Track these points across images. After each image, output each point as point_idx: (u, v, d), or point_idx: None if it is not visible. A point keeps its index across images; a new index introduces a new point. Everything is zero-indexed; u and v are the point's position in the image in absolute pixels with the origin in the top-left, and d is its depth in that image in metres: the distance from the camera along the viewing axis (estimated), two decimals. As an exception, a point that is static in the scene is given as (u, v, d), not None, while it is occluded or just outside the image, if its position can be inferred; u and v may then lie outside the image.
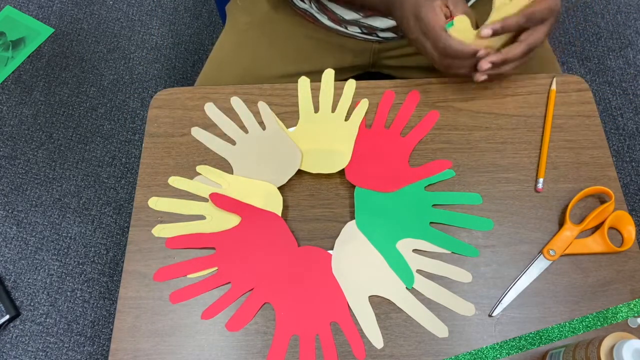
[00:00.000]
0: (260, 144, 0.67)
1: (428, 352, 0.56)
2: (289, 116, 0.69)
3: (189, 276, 0.60)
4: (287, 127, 0.68)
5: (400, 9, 0.64)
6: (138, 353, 0.57)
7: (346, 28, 0.80)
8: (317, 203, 0.64)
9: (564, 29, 1.56)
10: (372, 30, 0.78)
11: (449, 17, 0.61)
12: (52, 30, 1.60)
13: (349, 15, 0.77)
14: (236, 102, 0.70)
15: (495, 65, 0.60)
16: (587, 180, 0.64)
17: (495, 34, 0.60)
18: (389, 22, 0.76)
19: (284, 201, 0.63)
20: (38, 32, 1.60)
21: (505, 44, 0.63)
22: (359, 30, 0.80)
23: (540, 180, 0.63)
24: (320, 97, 0.70)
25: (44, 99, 1.50)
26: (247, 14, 0.86)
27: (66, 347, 1.21)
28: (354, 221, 0.62)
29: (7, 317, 1.22)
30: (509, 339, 0.56)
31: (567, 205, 0.62)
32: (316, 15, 0.81)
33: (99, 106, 1.49)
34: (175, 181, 0.65)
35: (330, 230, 0.62)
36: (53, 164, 1.41)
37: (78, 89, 1.51)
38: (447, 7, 0.61)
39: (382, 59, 0.86)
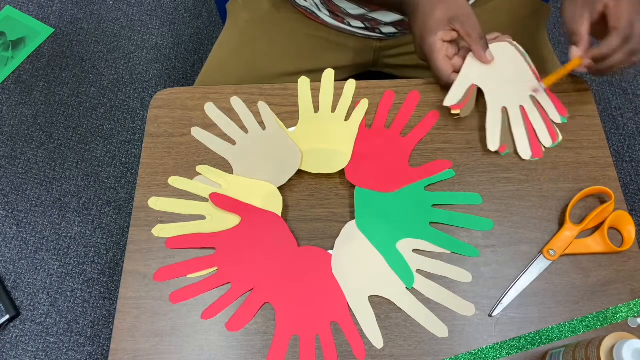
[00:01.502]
0: (260, 144, 0.67)
1: (428, 352, 0.56)
2: (289, 116, 0.69)
3: (189, 276, 0.60)
4: (287, 127, 0.68)
5: (412, 27, 0.66)
6: (138, 353, 0.57)
7: (349, 24, 0.80)
8: (317, 203, 0.64)
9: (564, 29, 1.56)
10: (375, 24, 0.78)
11: (455, 54, 0.65)
12: (52, 30, 1.60)
13: (355, 10, 0.77)
14: (236, 102, 0.70)
15: (595, 60, 0.61)
16: (587, 180, 0.64)
17: (597, 60, 0.61)
18: (394, 16, 0.76)
19: (284, 201, 0.63)
20: (38, 32, 1.60)
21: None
22: (362, 26, 0.80)
23: (542, 85, 0.65)
24: (320, 97, 0.70)
25: (44, 99, 1.50)
26: (248, 12, 0.86)
27: (66, 347, 1.21)
28: (354, 221, 0.62)
29: (7, 317, 1.22)
30: (509, 339, 0.56)
31: (567, 205, 0.62)
32: (317, 12, 0.81)
33: (99, 106, 1.49)
34: (175, 181, 0.65)
35: (330, 230, 0.62)
36: (53, 164, 1.41)
37: (78, 89, 1.51)
38: (455, 29, 0.63)
39: (382, 58, 0.86)
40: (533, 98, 0.67)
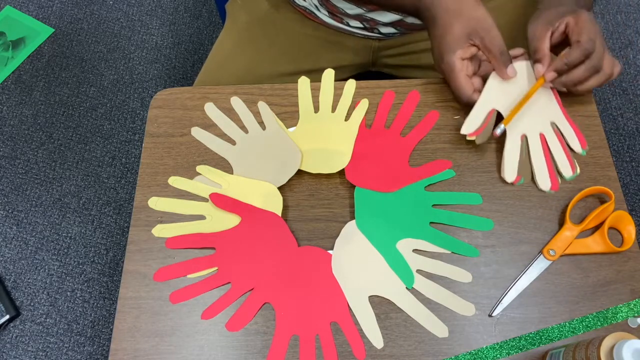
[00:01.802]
0: (260, 144, 0.67)
1: (428, 352, 0.56)
2: (289, 116, 0.69)
3: (189, 276, 0.60)
4: (287, 127, 0.68)
5: (431, 38, 0.65)
6: (138, 353, 0.57)
7: (348, 24, 0.80)
8: (317, 203, 0.64)
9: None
10: (374, 24, 0.78)
11: (475, 71, 0.64)
12: (52, 30, 1.60)
13: (353, 9, 0.76)
14: (236, 102, 0.70)
15: (559, 73, 0.63)
16: (587, 180, 0.64)
17: (560, 73, 0.63)
18: (392, 16, 0.76)
19: (284, 201, 0.63)
20: (38, 32, 1.60)
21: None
22: (361, 26, 0.79)
23: (502, 126, 0.62)
24: (320, 97, 0.70)
25: (44, 99, 1.50)
26: (247, 13, 0.86)
27: (66, 347, 1.21)
28: (354, 221, 0.62)
29: (7, 317, 1.22)
30: (509, 339, 0.56)
31: (567, 205, 0.62)
32: (316, 12, 0.81)
33: (99, 106, 1.49)
34: (175, 181, 0.65)
35: (330, 230, 0.62)
36: (53, 164, 1.41)
37: (78, 89, 1.51)
38: (474, 44, 0.62)
39: (381, 58, 0.86)
40: (553, 125, 0.65)
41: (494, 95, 0.64)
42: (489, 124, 0.63)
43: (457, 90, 0.63)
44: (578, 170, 0.63)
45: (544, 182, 0.62)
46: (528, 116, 0.64)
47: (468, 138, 0.63)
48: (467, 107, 0.64)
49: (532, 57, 0.64)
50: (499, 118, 0.64)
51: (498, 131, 0.62)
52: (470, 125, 0.63)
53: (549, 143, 0.64)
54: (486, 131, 0.63)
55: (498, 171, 0.65)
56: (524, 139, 0.64)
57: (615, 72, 0.63)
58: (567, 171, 0.63)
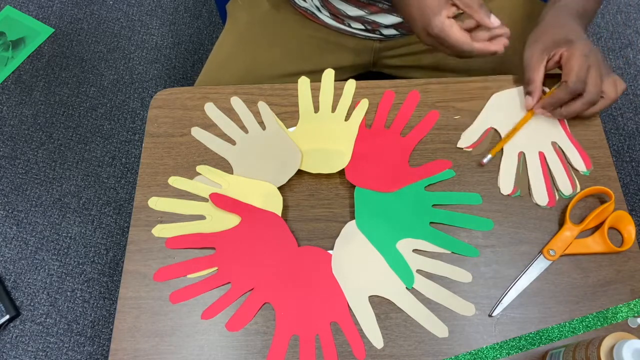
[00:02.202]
0: (260, 144, 0.67)
1: (428, 352, 0.56)
2: (289, 116, 0.69)
3: (189, 276, 0.60)
4: (287, 127, 0.68)
5: (408, 14, 0.64)
6: (138, 353, 0.57)
7: (349, 25, 0.80)
8: (317, 203, 0.64)
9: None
10: (375, 26, 0.78)
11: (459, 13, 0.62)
12: (52, 30, 1.60)
13: (354, 11, 0.76)
14: (236, 102, 0.70)
15: (547, 107, 0.65)
16: (587, 180, 0.64)
17: (548, 109, 0.65)
18: (394, 19, 0.76)
19: (284, 201, 0.63)
20: (38, 32, 1.60)
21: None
22: (362, 27, 0.79)
23: (489, 156, 0.64)
24: (320, 97, 0.70)
25: (44, 99, 1.50)
26: (248, 13, 0.86)
27: (66, 347, 1.21)
28: (354, 221, 0.62)
29: (7, 317, 1.22)
30: (509, 339, 0.56)
31: (567, 205, 0.62)
32: (317, 13, 0.81)
33: (99, 106, 1.49)
34: (175, 181, 0.65)
35: (330, 230, 0.62)
36: (53, 164, 1.41)
37: (78, 89, 1.51)
38: (454, 4, 0.61)
39: (383, 58, 0.86)
40: (554, 144, 0.65)
41: (494, 114, 0.67)
42: (485, 139, 0.66)
43: (457, 44, 0.61)
44: (578, 188, 0.63)
45: (541, 197, 0.63)
46: (527, 135, 0.66)
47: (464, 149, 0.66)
48: (468, 114, 0.65)
49: (525, 88, 0.66)
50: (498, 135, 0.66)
51: (485, 160, 0.64)
52: (468, 140, 0.66)
53: (548, 161, 0.65)
54: (482, 145, 0.66)
55: (498, 172, 0.65)
56: (522, 156, 0.65)
57: (620, 91, 0.64)
58: (566, 188, 0.63)
